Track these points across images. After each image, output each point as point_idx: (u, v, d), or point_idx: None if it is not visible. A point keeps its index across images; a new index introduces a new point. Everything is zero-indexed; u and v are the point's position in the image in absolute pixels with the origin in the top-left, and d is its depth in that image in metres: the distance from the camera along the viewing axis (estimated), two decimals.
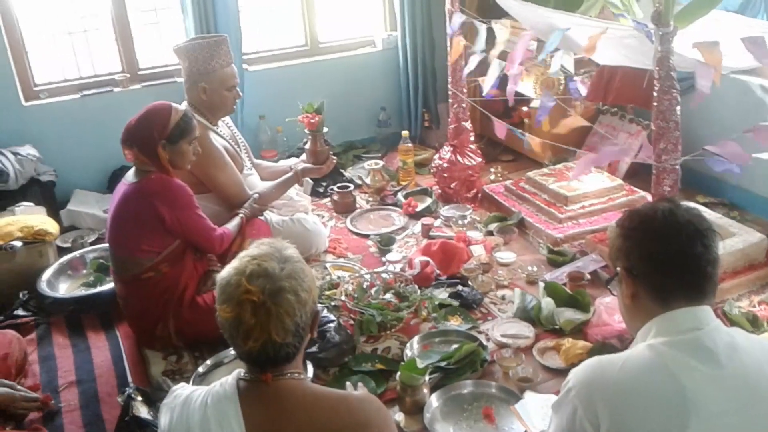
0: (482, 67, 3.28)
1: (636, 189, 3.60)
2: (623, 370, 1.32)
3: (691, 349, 1.32)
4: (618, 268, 1.47)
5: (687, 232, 1.38)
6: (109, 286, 3.03)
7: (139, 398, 2.27)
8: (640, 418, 1.27)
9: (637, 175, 3.79)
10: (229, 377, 1.47)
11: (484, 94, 3.31)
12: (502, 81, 3.17)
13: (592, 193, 3.52)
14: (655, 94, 2.30)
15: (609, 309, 2.65)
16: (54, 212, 3.71)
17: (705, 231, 1.39)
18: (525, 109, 4.24)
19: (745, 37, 2.02)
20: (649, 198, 2.61)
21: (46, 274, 3.17)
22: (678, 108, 2.30)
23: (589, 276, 2.95)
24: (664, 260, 1.38)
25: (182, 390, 1.51)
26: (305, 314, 1.43)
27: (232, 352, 2.55)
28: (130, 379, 2.61)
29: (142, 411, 2.22)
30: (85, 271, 3.32)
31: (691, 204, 1.48)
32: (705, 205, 3.35)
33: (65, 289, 3.19)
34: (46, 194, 3.81)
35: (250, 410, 1.39)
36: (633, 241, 1.43)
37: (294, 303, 1.40)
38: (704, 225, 1.40)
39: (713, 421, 1.26)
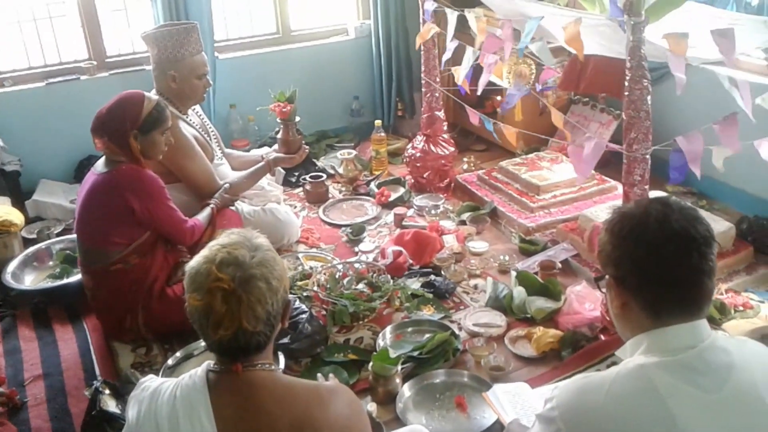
0: (457, 57, 3.27)
1: (607, 178, 3.63)
2: (610, 395, 1.25)
3: (685, 372, 1.24)
4: (607, 276, 1.39)
5: (682, 241, 1.28)
6: (76, 277, 2.97)
7: (107, 391, 2.23)
8: None
9: (608, 164, 3.81)
10: (198, 369, 1.44)
11: (458, 84, 3.30)
12: (476, 70, 3.17)
13: (563, 182, 3.54)
14: (626, 83, 2.31)
15: (580, 297, 2.67)
16: (19, 203, 3.64)
17: (702, 238, 1.29)
18: (498, 98, 4.24)
19: (714, 30, 2.03)
20: (620, 188, 2.63)
21: (11, 266, 3.11)
22: (649, 98, 2.31)
23: (560, 265, 2.97)
24: (658, 273, 1.29)
25: (150, 382, 1.48)
26: (276, 302, 1.41)
27: (202, 344, 2.51)
28: (97, 372, 2.56)
29: (110, 404, 2.18)
30: (51, 263, 3.26)
31: (686, 204, 1.36)
32: (674, 194, 3.39)
33: (31, 281, 3.13)
34: (11, 184, 3.74)
35: (220, 402, 1.37)
36: (624, 251, 1.33)
37: (265, 291, 1.38)
38: (701, 232, 1.30)
39: None
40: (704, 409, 1.22)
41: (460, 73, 3.24)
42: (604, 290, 1.44)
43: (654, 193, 2.69)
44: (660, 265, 1.28)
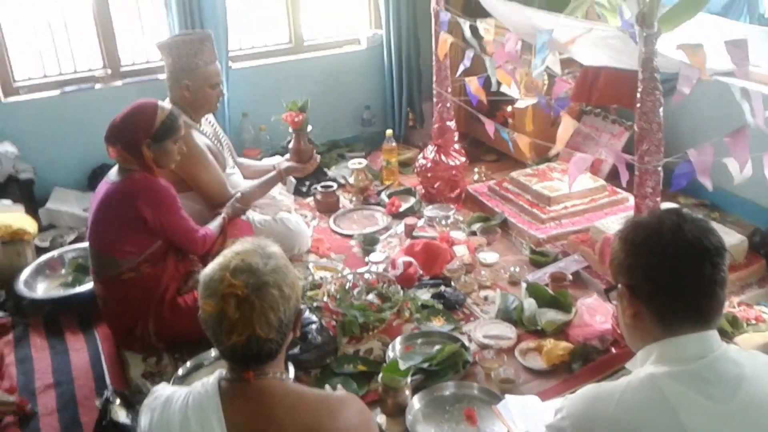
0: (473, 66, 3.27)
1: (618, 190, 3.61)
2: (620, 404, 1.25)
3: (695, 382, 1.24)
4: (619, 285, 1.39)
5: (695, 251, 1.29)
6: (87, 286, 2.98)
7: (118, 401, 2.23)
8: None
9: (620, 176, 3.80)
10: (210, 377, 1.46)
11: (471, 93, 3.29)
12: (486, 80, 3.17)
13: (574, 193, 3.52)
14: (638, 95, 2.30)
15: (591, 310, 2.66)
16: (32, 211, 3.65)
17: (714, 249, 1.30)
18: (509, 109, 4.24)
19: (728, 40, 2.02)
20: (632, 200, 2.62)
21: (24, 274, 3.12)
22: (661, 109, 2.30)
23: (571, 277, 2.96)
24: (671, 282, 1.29)
25: (163, 390, 1.50)
26: (289, 310, 1.43)
27: (212, 354, 2.52)
28: (108, 381, 2.57)
29: (120, 415, 2.18)
30: (63, 271, 3.27)
31: (698, 215, 1.38)
32: (686, 206, 3.37)
33: (43, 290, 3.15)
34: (25, 192, 3.76)
35: (231, 410, 1.39)
36: (637, 259, 1.34)
37: (278, 298, 1.40)
38: (713, 242, 1.31)
39: None
40: (714, 419, 1.22)
41: (474, 83, 3.24)
42: (614, 302, 1.44)
43: (666, 205, 2.68)
44: (673, 274, 1.29)
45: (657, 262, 1.31)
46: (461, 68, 3.35)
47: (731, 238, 2.92)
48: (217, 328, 1.39)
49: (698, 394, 1.23)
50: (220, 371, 1.46)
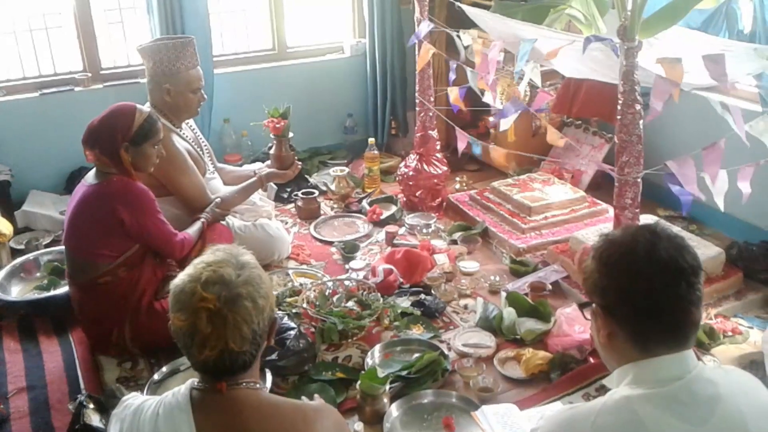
0: (458, 77, 3.28)
1: (598, 201, 3.64)
2: (595, 427, 1.23)
3: (671, 404, 1.22)
4: (594, 304, 1.37)
5: (670, 271, 1.27)
6: (63, 289, 2.94)
7: (91, 406, 2.20)
8: None
9: (600, 187, 3.84)
10: (182, 387, 1.43)
11: (451, 102, 3.31)
12: (468, 90, 3.17)
13: (555, 204, 3.55)
14: (618, 107, 2.33)
15: (569, 320, 2.67)
16: (8, 213, 3.61)
17: (690, 268, 1.28)
18: (491, 119, 4.26)
19: (705, 55, 2.05)
20: (611, 211, 2.64)
21: None
22: (641, 122, 2.33)
23: (550, 286, 2.97)
24: (645, 304, 1.27)
25: (133, 400, 1.47)
26: (262, 321, 1.40)
27: None
28: (82, 385, 2.54)
29: (94, 419, 2.15)
30: (38, 274, 3.23)
31: (673, 232, 1.35)
32: (665, 218, 3.40)
33: (17, 292, 3.10)
34: (1, 194, 3.72)
35: (204, 421, 1.35)
36: (611, 281, 1.31)
37: (251, 310, 1.36)
38: (689, 261, 1.28)
39: None
40: None
41: (455, 93, 3.25)
42: (589, 318, 1.42)
43: (645, 217, 2.70)
44: (647, 296, 1.27)
45: (631, 283, 1.28)
46: (451, 78, 3.35)
47: (709, 250, 2.94)
48: (188, 341, 1.36)
49: (673, 417, 1.21)
50: (192, 380, 1.43)
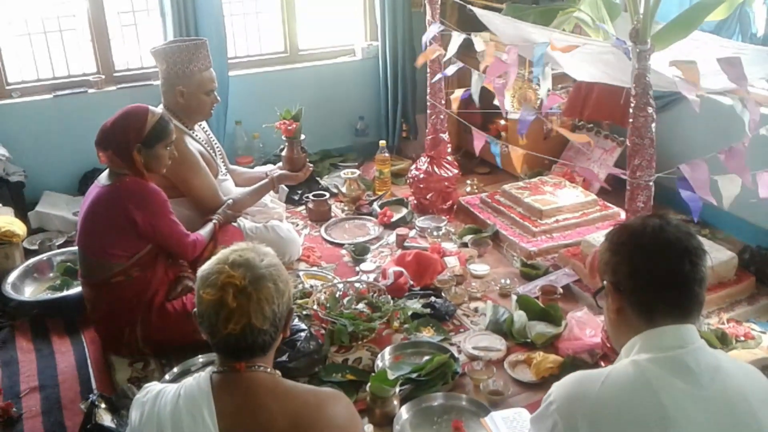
0: (462, 79, 3.28)
1: (609, 204, 3.63)
2: (605, 385, 1.31)
3: (674, 367, 1.31)
4: (605, 282, 1.46)
5: (675, 250, 1.37)
6: (75, 290, 2.96)
7: (103, 405, 2.21)
8: None
9: (611, 190, 3.81)
10: (202, 372, 1.51)
11: (453, 108, 3.30)
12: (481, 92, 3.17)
13: (566, 207, 3.54)
14: (631, 110, 2.32)
15: (580, 323, 2.66)
16: (22, 213, 3.64)
17: (694, 249, 1.38)
18: (502, 122, 4.26)
19: (721, 58, 2.04)
20: (623, 214, 2.62)
21: (12, 277, 3.11)
22: (653, 125, 2.32)
23: (561, 290, 2.96)
24: (652, 277, 1.37)
25: (155, 386, 1.55)
26: (282, 305, 1.48)
27: (200, 360, 2.52)
28: (94, 385, 2.55)
29: (106, 419, 2.16)
30: (51, 275, 3.25)
31: (681, 221, 1.45)
32: None
33: (30, 292, 3.13)
34: (15, 195, 3.73)
35: (222, 399, 1.43)
36: (621, 257, 1.42)
37: (273, 291, 1.46)
38: (693, 243, 1.39)
39: None
40: (693, 403, 1.27)
41: (457, 95, 3.24)
42: (601, 303, 1.51)
43: None
44: (655, 270, 1.37)
45: (639, 258, 1.39)
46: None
47: (721, 254, 2.93)
48: (214, 317, 1.43)
49: (678, 379, 1.29)
50: (212, 368, 1.50)
